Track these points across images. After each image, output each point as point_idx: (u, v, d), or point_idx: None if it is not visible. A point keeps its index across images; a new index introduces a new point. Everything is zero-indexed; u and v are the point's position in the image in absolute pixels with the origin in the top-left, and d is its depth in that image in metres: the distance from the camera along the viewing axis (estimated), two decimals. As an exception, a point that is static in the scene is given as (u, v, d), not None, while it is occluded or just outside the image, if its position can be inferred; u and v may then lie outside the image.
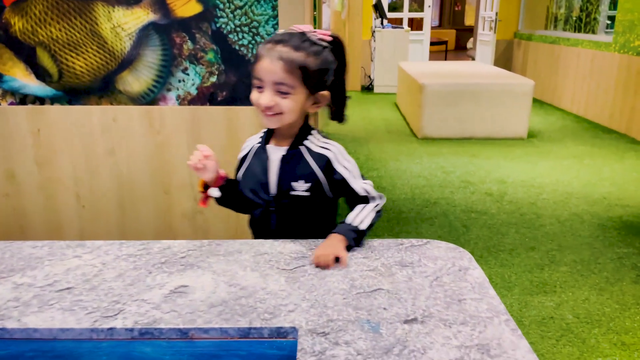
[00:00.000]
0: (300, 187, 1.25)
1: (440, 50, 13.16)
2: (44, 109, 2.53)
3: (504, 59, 8.77)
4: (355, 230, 1.20)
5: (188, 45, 2.47)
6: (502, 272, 2.48)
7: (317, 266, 1.10)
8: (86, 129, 2.56)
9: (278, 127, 1.27)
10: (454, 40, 16.05)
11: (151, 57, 2.47)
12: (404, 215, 3.13)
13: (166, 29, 2.44)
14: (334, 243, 1.16)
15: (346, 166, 1.27)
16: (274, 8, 2.42)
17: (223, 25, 2.45)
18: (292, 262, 1.13)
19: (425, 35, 9.08)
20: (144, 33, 2.44)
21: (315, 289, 1.02)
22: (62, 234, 2.72)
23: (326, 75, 1.21)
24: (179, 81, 2.52)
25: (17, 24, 2.41)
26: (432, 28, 13.51)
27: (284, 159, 1.28)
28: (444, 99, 5.06)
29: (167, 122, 2.56)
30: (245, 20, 2.44)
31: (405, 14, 9.18)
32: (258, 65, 1.21)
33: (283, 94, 1.19)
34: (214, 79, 2.52)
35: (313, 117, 1.32)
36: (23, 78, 2.49)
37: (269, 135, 1.33)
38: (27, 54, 2.46)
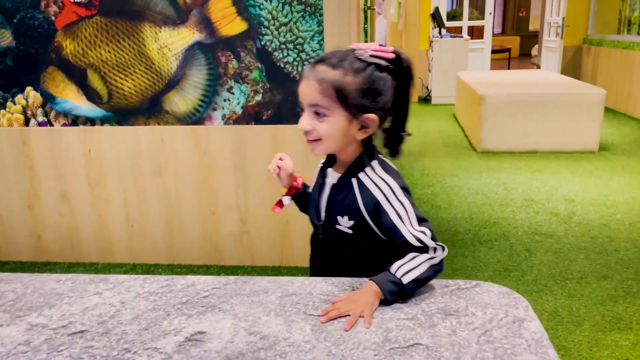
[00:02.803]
0: (345, 223, 1.13)
1: (502, 58, 12.67)
2: (94, 130, 2.57)
3: (572, 66, 8.28)
4: (397, 283, 1.01)
5: (233, 64, 2.43)
6: (569, 304, 2.25)
7: (326, 314, 0.97)
8: (135, 149, 2.57)
9: (336, 153, 1.15)
10: (518, 47, 15.42)
11: (197, 77, 2.46)
12: (460, 236, 2.93)
13: (211, 48, 2.42)
14: (365, 296, 0.99)
15: (397, 209, 1.07)
16: (320, 23, 2.34)
17: (268, 43, 2.40)
18: (321, 305, 1.02)
19: (486, 43, 8.75)
20: (190, 53, 2.43)
21: (344, 341, 0.90)
22: (112, 253, 2.74)
23: (372, 95, 1.05)
24: (225, 100, 2.48)
25: (69, 46, 2.47)
26: (494, 35, 13.05)
27: (334, 188, 1.16)
28: (505, 110, 4.79)
29: (213, 141, 2.53)
30: (290, 37, 2.37)
31: (465, 23, 8.89)
32: (299, 87, 1.10)
33: (320, 116, 1.07)
34: (259, 97, 2.47)
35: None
36: (75, 100, 2.54)
37: (332, 158, 1.19)
38: (78, 76, 2.51)
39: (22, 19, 2.46)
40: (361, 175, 1.12)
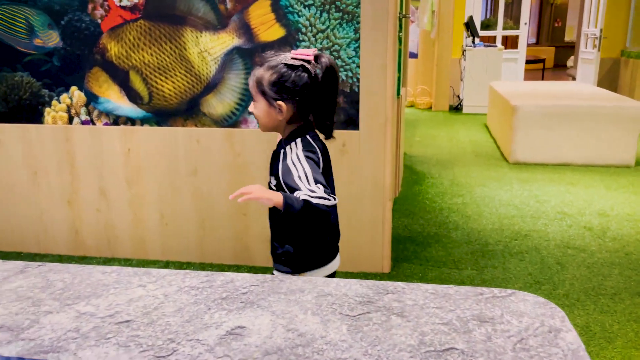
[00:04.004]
0: (272, 183, 1.45)
1: (536, 68, 12.48)
2: (134, 130, 2.65)
3: (609, 79, 8.11)
4: (296, 199, 1.29)
5: (270, 68, 2.47)
6: (602, 319, 2.21)
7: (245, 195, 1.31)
8: (171, 149, 2.64)
9: (277, 131, 1.46)
10: (552, 57, 15.17)
11: (234, 81, 2.51)
12: (490, 247, 2.91)
13: (250, 53, 2.47)
14: (273, 194, 1.30)
15: (299, 173, 1.34)
16: (356, 31, 2.37)
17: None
18: (356, 307, 1.04)
19: (520, 53, 8.64)
20: (229, 57, 2.49)
21: (380, 342, 0.92)
22: (146, 250, 2.81)
23: (282, 87, 1.36)
24: (260, 104, 2.52)
25: (113, 49, 2.56)
26: (529, 45, 12.88)
27: (273, 156, 1.47)
28: (538, 122, 4.73)
29: (248, 144, 2.58)
30: (327, 43, 2.41)
31: (499, 32, 8.81)
32: None
33: (254, 101, 1.43)
34: (294, 102, 2.50)
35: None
36: (117, 100, 2.63)
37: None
38: (121, 78, 2.60)
39: (70, 21, 2.56)
40: (287, 148, 1.41)
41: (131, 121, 2.65)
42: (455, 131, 6.41)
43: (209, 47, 2.49)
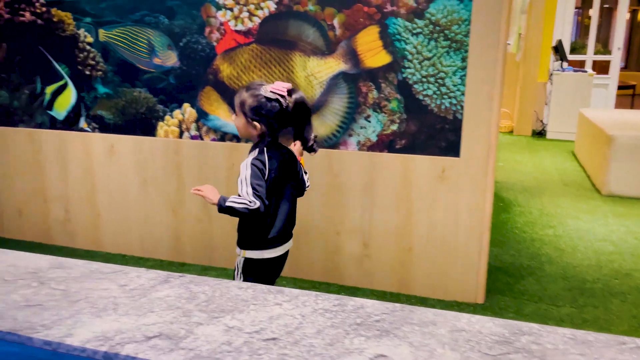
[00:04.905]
0: (238, 186, 1.83)
1: (625, 94, 11.83)
2: (239, 146, 2.78)
3: None
4: (224, 202, 1.77)
5: (373, 94, 2.54)
6: None
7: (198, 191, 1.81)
8: (272, 167, 2.75)
9: (249, 139, 1.93)
10: (644, 83, 14.29)
11: (337, 104, 2.59)
12: (589, 285, 2.79)
13: (354, 78, 2.54)
14: (216, 195, 1.78)
15: (241, 168, 1.81)
16: (464, 59, 2.38)
17: (409, 76, 2.47)
18: (494, 346, 1.05)
19: (612, 79, 8.24)
20: (334, 82, 2.57)
21: (526, 385, 0.93)
22: (241, 261, 2.92)
23: (258, 112, 1.81)
24: (361, 127, 2.59)
25: (226, 70, 2.71)
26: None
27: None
28: (636, 153, 4.48)
29: (346, 165, 2.64)
30: (433, 71, 2.43)
31: (590, 57, 8.45)
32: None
33: (236, 115, 1.88)
34: (394, 127, 2.55)
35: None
36: (225, 118, 2.78)
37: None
38: (231, 97, 2.74)
39: (188, 43, 2.75)
40: (249, 153, 1.86)
41: (237, 138, 2.78)
42: (540, 157, 6.20)
43: (316, 71, 2.58)
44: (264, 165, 1.81)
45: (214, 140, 2.83)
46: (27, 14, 2.98)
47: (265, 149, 1.84)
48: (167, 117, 2.87)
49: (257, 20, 2.61)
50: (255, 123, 1.82)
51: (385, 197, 2.61)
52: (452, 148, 2.48)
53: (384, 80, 2.51)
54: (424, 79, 2.45)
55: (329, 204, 2.71)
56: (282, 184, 1.89)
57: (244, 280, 1.95)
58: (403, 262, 2.66)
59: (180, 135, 2.88)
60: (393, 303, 1.24)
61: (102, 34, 2.88)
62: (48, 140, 3.12)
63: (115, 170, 3.04)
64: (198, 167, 2.87)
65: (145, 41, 2.82)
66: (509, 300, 2.62)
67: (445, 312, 1.19)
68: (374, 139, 2.58)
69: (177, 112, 2.85)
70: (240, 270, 1.98)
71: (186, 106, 2.83)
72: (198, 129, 2.84)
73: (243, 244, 1.95)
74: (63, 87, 3.02)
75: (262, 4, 2.59)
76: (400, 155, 2.56)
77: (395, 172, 2.58)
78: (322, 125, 2.64)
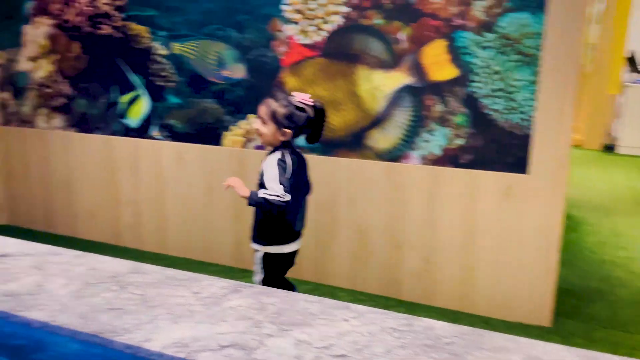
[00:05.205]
0: (258, 178, 2.08)
1: None
2: (301, 158, 2.82)
3: None
4: (256, 195, 1.99)
5: (438, 107, 2.51)
6: None
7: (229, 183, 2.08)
8: (334, 178, 2.77)
9: (269, 145, 2.12)
10: None
11: (401, 117, 2.58)
12: (665, 312, 2.62)
13: (419, 92, 2.53)
14: (245, 190, 2.02)
15: (269, 173, 2.00)
16: (535, 74, 2.31)
17: (477, 90, 2.43)
18: (572, 377, 1.01)
19: (691, 91, 7.72)
20: (398, 95, 2.56)
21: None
22: (300, 269, 2.96)
23: (289, 120, 2.04)
24: (425, 141, 2.57)
25: (291, 82, 2.77)
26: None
27: (264, 160, 2.11)
28: None
29: (408, 179, 2.63)
30: (502, 85, 2.38)
31: (666, 67, 7.95)
32: (259, 107, 2.11)
33: (263, 123, 2.07)
34: (460, 141, 2.51)
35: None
36: (289, 129, 2.82)
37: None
38: (295, 109, 2.79)
39: (256, 56, 2.83)
40: (270, 155, 2.08)
41: (300, 148, 2.82)
42: (611, 173, 5.89)
43: (380, 85, 2.59)
44: (286, 165, 2.02)
45: (277, 150, 2.88)
46: (107, 28, 3.16)
47: (287, 151, 2.07)
48: (233, 127, 2.96)
49: (323, 34, 2.65)
50: (286, 130, 2.04)
51: (448, 213, 2.57)
52: (519, 164, 2.41)
53: (450, 94, 2.48)
54: (493, 94, 2.40)
55: (390, 217, 2.70)
56: (298, 183, 2.09)
57: (264, 273, 2.16)
58: (465, 279, 2.60)
59: (245, 145, 2.95)
60: (461, 325, 1.22)
61: (175, 46, 3.01)
62: (121, 147, 3.29)
63: (183, 177, 3.16)
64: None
65: (215, 54, 2.92)
66: (577, 325, 2.50)
67: (517, 339, 1.16)
68: (438, 153, 2.55)
69: (242, 123, 2.94)
70: (260, 265, 2.15)
71: (251, 117, 2.90)
72: (262, 139, 2.90)
73: (264, 239, 2.13)
74: (137, 97, 3.18)
75: (329, 18, 2.62)
76: (465, 170, 2.52)
77: (459, 187, 2.54)
78: (385, 138, 2.63)
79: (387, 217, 2.71)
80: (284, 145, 2.08)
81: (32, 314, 1.24)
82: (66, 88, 3.38)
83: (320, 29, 2.65)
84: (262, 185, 2.03)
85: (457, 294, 2.64)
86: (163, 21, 3.01)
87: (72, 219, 3.59)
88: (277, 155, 2.04)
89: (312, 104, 2.06)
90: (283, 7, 2.71)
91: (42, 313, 1.24)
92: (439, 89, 2.49)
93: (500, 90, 2.38)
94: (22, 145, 3.65)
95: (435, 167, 2.57)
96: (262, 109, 2.06)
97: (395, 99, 2.58)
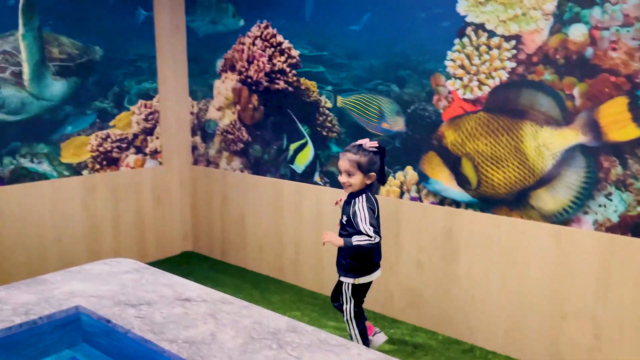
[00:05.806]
0: (344, 219, 2.42)
1: None
2: (458, 212, 2.77)
3: None
4: (350, 242, 2.32)
5: (617, 170, 2.28)
6: None
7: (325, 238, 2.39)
8: (492, 236, 2.67)
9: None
10: None
11: (572, 178, 2.40)
12: None
13: (594, 152, 2.33)
14: (338, 239, 2.37)
15: (360, 215, 2.33)
16: None
17: (666, 153, 2.15)
18: None
19: None
20: (569, 154, 2.39)
21: None
22: (452, 327, 2.88)
23: (371, 165, 2.36)
24: (600, 206, 2.34)
25: (450, 136, 2.75)
26: None
27: (346, 203, 2.45)
28: None
29: (578, 246, 2.41)
30: (699, 149, 2.07)
31: None
32: (339, 162, 2.41)
33: (350, 175, 2.37)
34: (643, 208, 2.23)
35: None
36: (446, 182, 2.80)
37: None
38: (452, 163, 2.77)
39: (415, 110, 2.87)
40: (356, 199, 2.38)
41: (456, 203, 2.78)
42: None
43: (548, 142, 2.43)
44: (374, 207, 2.38)
45: (432, 203, 2.87)
46: (281, 82, 3.49)
47: (370, 193, 2.40)
48: (390, 178, 3.02)
49: (486, 89, 2.60)
50: (372, 174, 2.37)
51: (624, 286, 2.29)
52: None
53: (632, 156, 2.23)
54: (686, 157, 2.10)
55: (555, 283, 2.49)
56: (378, 221, 2.39)
57: (352, 301, 2.46)
58: (645, 364, 2.28)
59: (401, 195, 3.00)
60: None
61: (340, 100, 3.20)
62: (288, 190, 3.57)
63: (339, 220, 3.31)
64: (416, 228, 2.95)
65: (377, 107, 3.04)
66: None
67: None
68: (614, 219, 2.30)
69: (399, 174, 2.99)
70: (349, 295, 2.47)
71: (408, 169, 2.94)
72: (418, 191, 2.92)
73: (354, 272, 2.43)
74: (304, 145, 3.44)
75: (494, 73, 2.56)
76: (648, 240, 2.23)
77: (637, 259, 2.25)
78: (553, 199, 2.46)
79: (551, 284, 2.50)
80: (367, 187, 2.40)
81: (205, 365, 1.42)
82: (245, 135, 3.80)
83: (483, 84, 2.60)
84: (348, 225, 2.37)
85: (634, 380, 2.31)
86: (330, 77, 3.23)
87: (243, 251, 3.98)
88: (362, 198, 2.37)
89: (377, 146, 2.39)
90: (447, 63, 2.72)
91: (213, 365, 1.42)
92: (619, 149, 2.26)
93: (697, 153, 2.07)
94: (206, 183, 4.18)
95: (611, 234, 2.32)
96: (344, 164, 2.36)
97: (566, 158, 2.40)
